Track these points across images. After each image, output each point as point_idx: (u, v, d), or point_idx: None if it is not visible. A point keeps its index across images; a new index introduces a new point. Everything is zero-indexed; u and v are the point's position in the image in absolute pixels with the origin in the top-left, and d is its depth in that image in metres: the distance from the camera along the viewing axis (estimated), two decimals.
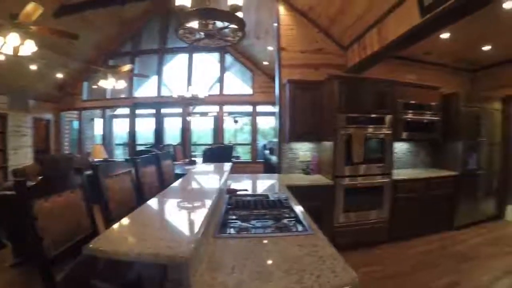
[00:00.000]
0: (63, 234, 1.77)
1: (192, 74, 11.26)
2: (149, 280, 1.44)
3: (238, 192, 3.13)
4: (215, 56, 11.54)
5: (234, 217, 2.22)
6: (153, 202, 2.18)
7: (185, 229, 1.65)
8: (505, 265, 3.86)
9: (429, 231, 4.90)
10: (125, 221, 1.71)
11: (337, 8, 4.44)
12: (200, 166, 5.36)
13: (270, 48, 8.25)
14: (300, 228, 1.99)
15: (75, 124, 11.64)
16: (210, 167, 4.55)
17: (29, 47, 4.83)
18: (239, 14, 2.71)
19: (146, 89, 11.84)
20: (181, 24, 2.68)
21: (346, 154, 4.35)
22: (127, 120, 11.45)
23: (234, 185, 3.58)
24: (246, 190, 3.27)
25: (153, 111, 11.49)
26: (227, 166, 4.24)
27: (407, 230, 4.71)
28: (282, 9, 5.05)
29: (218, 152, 8.54)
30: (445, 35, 4.44)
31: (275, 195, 3.01)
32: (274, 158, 7.60)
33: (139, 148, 10.95)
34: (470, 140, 5.22)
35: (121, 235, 1.52)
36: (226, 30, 2.84)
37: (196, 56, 11.34)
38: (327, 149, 4.61)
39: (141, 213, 1.91)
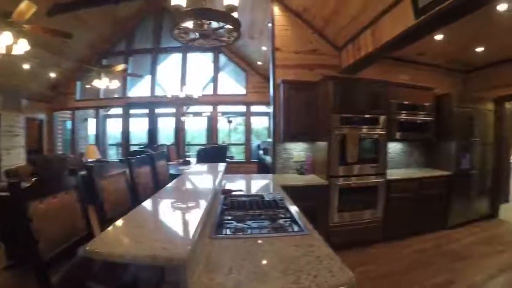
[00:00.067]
0: (58, 236, 1.76)
1: (186, 74, 11.22)
2: (146, 282, 1.44)
3: (233, 193, 3.12)
4: (209, 56, 11.51)
5: (229, 217, 2.21)
6: (148, 203, 2.17)
7: (181, 231, 1.65)
8: (498, 263, 3.91)
9: (423, 231, 4.93)
10: (120, 222, 1.70)
11: (331, 9, 4.45)
12: (195, 166, 5.34)
13: (264, 48, 8.26)
14: (296, 228, 1.99)
15: (68, 124, 11.55)
16: (205, 167, 4.53)
17: (22, 46, 4.78)
18: (235, 15, 2.70)
19: (140, 89, 11.78)
20: (176, 24, 2.67)
21: (340, 154, 4.36)
22: (120, 120, 11.38)
23: (228, 186, 3.58)
24: (241, 190, 3.27)
25: (146, 111, 11.44)
26: (222, 166, 4.24)
27: (401, 230, 4.74)
28: (276, 10, 5.05)
29: (212, 152, 8.53)
30: (438, 37, 4.47)
31: (270, 195, 3.01)
32: (268, 158, 7.60)
33: (132, 148, 10.89)
34: (463, 140, 5.27)
35: (117, 237, 1.51)
36: (221, 30, 2.84)
37: (190, 56, 11.31)
38: (321, 149, 4.62)
39: (137, 215, 1.90)
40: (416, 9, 2.99)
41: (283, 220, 2.16)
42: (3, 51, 4.64)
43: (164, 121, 11.97)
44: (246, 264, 1.46)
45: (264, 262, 1.52)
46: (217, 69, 11.45)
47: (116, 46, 11.10)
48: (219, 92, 11.36)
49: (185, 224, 1.77)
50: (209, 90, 11.32)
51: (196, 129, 12.91)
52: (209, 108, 11.39)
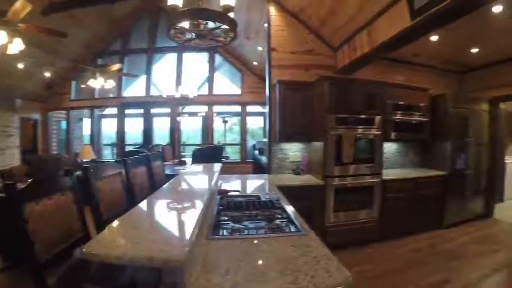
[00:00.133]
0: (55, 237, 1.75)
1: (182, 74, 11.20)
2: (143, 284, 1.44)
3: (230, 193, 3.11)
4: (204, 56, 11.50)
5: (226, 218, 2.21)
6: (144, 204, 2.16)
7: (178, 232, 1.64)
8: (493, 262, 3.94)
9: (419, 230, 4.97)
10: (117, 224, 1.69)
11: (327, 10, 4.46)
12: (191, 167, 5.34)
13: (260, 48, 8.27)
14: (292, 228, 1.99)
15: (63, 124, 11.48)
16: (200, 167, 4.52)
17: (17, 45, 4.75)
18: (231, 15, 2.70)
19: (135, 88, 11.74)
20: (172, 24, 2.66)
21: (336, 155, 4.37)
22: (115, 120, 11.33)
23: (224, 186, 3.57)
24: (237, 191, 3.27)
25: (141, 111, 11.41)
26: (217, 166, 4.23)
27: (397, 229, 4.77)
28: (273, 10, 5.05)
29: (208, 153, 8.51)
30: (434, 38, 4.49)
31: (266, 195, 3.00)
32: (263, 159, 7.60)
33: (127, 148, 10.86)
34: (458, 140, 5.31)
35: (114, 238, 1.50)
36: (218, 30, 2.83)
37: (186, 55, 11.28)
38: (317, 149, 4.63)
39: (133, 216, 1.89)
40: (412, 11, 3.01)
41: (280, 220, 2.16)
42: None
43: (159, 121, 11.95)
44: (243, 265, 1.46)
45: (262, 262, 1.52)
46: (212, 69, 11.44)
47: (112, 46, 11.05)
48: (215, 92, 11.34)
49: (182, 225, 1.76)
50: (205, 90, 11.30)
51: (191, 129, 12.89)
52: (205, 108, 11.38)
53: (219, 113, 11.79)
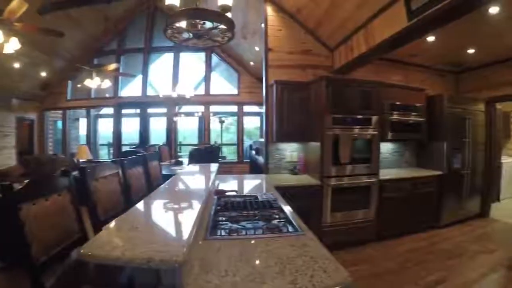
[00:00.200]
0: (52, 238, 1.75)
1: (178, 73, 11.16)
2: (141, 285, 1.43)
3: (227, 193, 3.11)
4: (201, 56, 11.45)
5: (224, 218, 2.20)
6: (142, 205, 2.15)
7: (176, 232, 1.63)
8: (490, 261, 3.96)
9: (416, 230, 4.99)
10: (114, 225, 1.69)
11: (324, 10, 4.46)
12: (188, 167, 5.32)
13: (257, 48, 8.26)
14: (290, 228, 1.99)
15: (59, 124, 11.42)
16: (197, 168, 4.52)
17: (13, 45, 4.72)
18: (228, 15, 2.70)
19: (132, 88, 11.67)
20: (170, 24, 2.65)
21: (333, 155, 4.37)
22: (112, 120, 11.27)
23: (221, 186, 3.57)
24: (234, 191, 3.26)
25: (138, 111, 11.36)
26: (214, 167, 4.23)
27: (394, 229, 4.78)
28: (270, 10, 5.05)
29: (205, 153, 8.49)
30: (430, 38, 4.50)
31: (263, 196, 2.99)
32: (260, 159, 7.60)
33: (124, 148, 10.80)
34: (455, 140, 5.33)
35: (111, 239, 1.49)
36: (215, 30, 2.82)
37: (182, 55, 11.25)
38: (314, 149, 4.63)
39: (131, 216, 1.89)
40: (409, 11, 3.02)
41: (278, 220, 2.16)
42: None
43: (156, 121, 11.89)
44: (242, 265, 1.45)
45: (260, 263, 1.52)
46: (209, 69, 11.40)
47: (108, 45, 11.00)
48: (211, 92, 11.30)
49: (180, 225, 1.76)
50: (201, 90, 11.26)
51: (188, 129, 12.86)
52: (201, 108, 11.34)
53: (215, 113, 11.76)
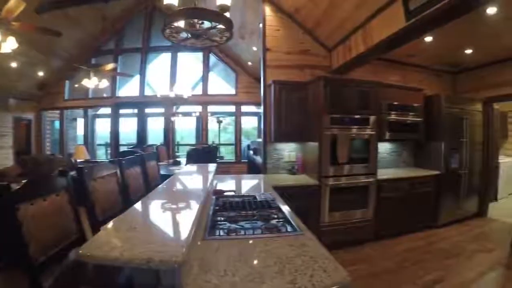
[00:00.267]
0: (50, 238, 1.74)
1: (176, 73, 11.15)
2: (140, 285, 1.42)
3: (225, 193, 3.10)
4: (199, 55, 11.45)
5: (222, 218, 2.19)
6: (140, 205, 2.15)
7: (175, 233, 1.63)
8: (488, 261, 3.98)
9: (414, 229, 5.01)
10: (113, 225, 1.68)
11: (323, 10, 4.46)
12: (186, 167, 5.31)
13: (254, 48, 8.27)
14: (289, 228, 1.99)
15: (57, 124, 11.39)
16: (195, 168, 4.51)
17: (10, 44, 4.70)
18: (227, 14, 2.69)
19: (129, 88, 11.65)
20: (168, 24, 2.65)
21: (331, 154, 4.38)
22: (109, 120, 11.25)
23: (220, 186, 3.56)
24: (233, 191, 3.26)
25: (136, 111, 11.35)
26: (212, 166, 4.22)
27: (392, 229, 4.80)
28: (268, 10, 5.04)
29: (203, 153, 8.48)
30: (428, 38, 4.51)
31: (262, 195, 2.99)
32: (258, 158, 7.59)
33: (121, 148, 10.78)
34: (452, 140, 5.35)
35: (110, 239, 1.48)
36: (213, 30, 2.82)
37: (180, 55, 11.24)
38: (312, 149, 4.63)
39: (129, 217, 1.88)
40: (407, 11, 3.03)
41: (276, 220, 2.16)
42: None
43: (153, 121, 11.87)
44: (241, 265, 1.45)
45: (259, 263, 1.52)
46: (207, 69, 11.40)
47: (106, 45, 10.98)
48: (209, 92, 11.31)
49: (179, 226, 1.75)
50: (199, 90, 11.26)
51: (185, 129, 12.84)
52: (199, 108, 11.33)
53: (213, 113, 11.74)
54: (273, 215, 2.28)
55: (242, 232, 1.93)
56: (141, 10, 10.66)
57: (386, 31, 3.49)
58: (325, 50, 5.27)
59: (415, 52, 5.24)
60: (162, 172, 5.04)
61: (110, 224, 1.68)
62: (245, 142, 11.60)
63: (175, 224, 1.79)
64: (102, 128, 12.11)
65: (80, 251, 1.31)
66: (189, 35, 2.89)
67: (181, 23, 2.71)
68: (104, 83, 7.88)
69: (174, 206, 2.18)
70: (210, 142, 11.38)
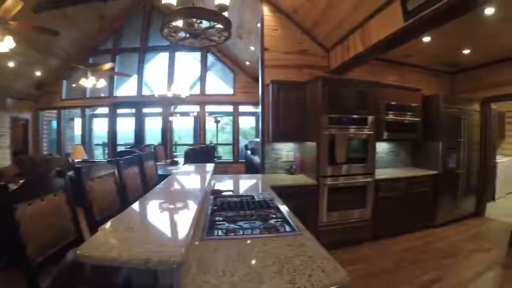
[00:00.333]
0: (48, 239, 1.73)
1: (174, 73, 11.13)
2: (139, 285, 1.42)
3: (223, 193, 3.10)
4: (197, 55, 11.43)
5: (220, 218, 2.19)
6: (138, 205, 2.14)
7: (173, 233, 1.62)
8: (486, 260, 3.99)
9: (411, 229, 5.02)
10: (111, 225, 1.67)
11: (321, 10, 4.46)
12: (183, 167, 5.31)
13: (252, 48, 8.26)
14: (287, 228, 1.99)
15: (54, 124, 11.35)
16: (193, 168, 4.50)
17: (7, 43, 4.69)
18: (225, 14, 2.69)
19: (127, 88, 11.61)
20: (166, 23, 2.64)
21: (329, 154, 4.38)
22: (107, 119, 11.21)
23: (217, 186, 3.56)
24: (231, 191, 3.25)
25: (133, 110, 11.32)
26: (210, 166, 4.21)
27: (390, 228, 4.80)
28: (266, 10, 5.04)
29: (200, 153, 8.47)
30: (426, 39, 4.51)
31: (260, 195, 2.98)
32: (256, 158, 7.59)
33: (119, 148, 10.75)
34: (450, 140, 5.36)
35: (108, 240, 1.47)
36: (212, 30, 2.82)
37: (178, 55, 11.22)
38: (310, 149, 4.63)
39: (127, 217, 1.87)
40: (405, 12, 3.03)
41: (275, 220, 2.16)
42: None
43: (151, 121, 11.84)
44: (239, 265, 1.45)
45: (258, 263, 1.51)
46: (205, 68, 11.38)
47: (103, 45, 10.94)
48: (207, 92, 11.29)
49: (177, 226, 1.75)
50: (197, 90, 11.24)
51: (183, 129, 12.82)
52: (197, 108, 11.31)
53: (211, 113, 11.73)
54: (271, 215, 2.28)
55: (241, 232, 1.92)
56: (139, 10, 10.64)
57: (384, 31, 3.50)
58: (323, 50, 5.27)
59: (413, 52, 5.25)
60: (160, 172, 5.03)
61: (108, 224, 1.67)
62: (243, 142, 11.58)
63: (173, 224, 1.79)
64: (100, 128, 12.07)
65: (78, 252, 1.30)
66: (188, 35, 2.88)
67: (179, 23, 2.70)
68: (102, 83, 7.86)
69: (172, 206, 2.17)
70: (208, 142, 11.37)
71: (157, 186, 2.98)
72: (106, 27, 10.22)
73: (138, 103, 11.07)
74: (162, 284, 1.30)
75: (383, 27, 3.50)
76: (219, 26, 2.72)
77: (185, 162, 7.55)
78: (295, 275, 1.33)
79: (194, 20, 2.70)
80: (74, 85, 8.38)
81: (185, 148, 9.77)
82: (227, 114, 11.79)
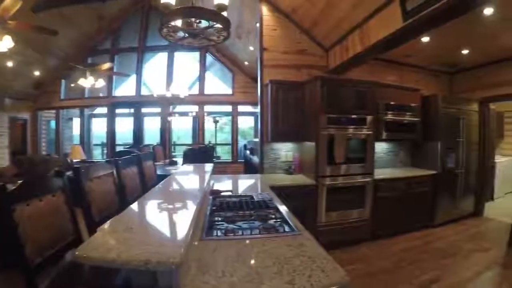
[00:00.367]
0: (46, 239, 1.73)
1: (173, 73, 11.11)
2: (138, 286, 1.42)
3: (222, 193, 3.10)
4: (195, 55, 11.41)
5: (219, 218, 2.19)
6: (137, 206, 2.13)
7: (172, 233, 1.62)
8: (485, 260, 4.00)
9: (410, 229, 5.02)
10: (109, 226, 1.67)
11: (320, 10, 4.46)
12: (182, 167, 5.30)
13: (251, 48, 8.25)
14: (287, 228, 1.98)
15: (53, 123, 11.33)
16: (192, 168, 4.49)
17: (6, 43, 4.67)
18: (224, 14, 2.68)
19: (126, 88, 11.59)
20: (165, 23, 2.63)
21: (328, 154, 4.38)
22: (105, 119, 11.19)
23: (216, 186, 3.55)
24: (230, 191, 3.25)
25: (132, 110, 11.29)
26: (209, 166, 4.21)
27: (389, 228, 4.81)
28: (265, 10, 5.04)
29: (199, 153, 8.46)
30: (425, 39, 4.51)
31: (259, 195, 2.98)
32: (255, 158, 7.59)
33: (118, 148, 10.74)
34: (449, 140, 5.37)
35: (107, 241, 1.47)
36: (211, 29, 2.81)
37: (177, 55, 11.20)
38: (309, 149, 4.62)
39: (126, 217, 1.86)
40: (405, 12, 3.03)
41: (274, 220, 2.15)
42: None
43: (150, 121, 11.83)
44: (239, 266, 1.44)
45: (257, 263, 1.50)
46: (203, 68, 11.36)
47: (102, 44, 10.92)
48: (206, 92, 11.27)
49: (176, 226, 1.75)
50: (195, 90, 11.22)
51: (182, 129, 12.81)
52: (195, 108, 11.29)
53: (210, 113, 11.73)
54: (270, 215, 2.27)
55: (240, 232, 1.92)
56: (138, 10, 10.62)
57: (383, 31, 3.50)
58: (322, 50, 5.27)
59: (412, 52, 5.26)
60: (158, 172, 5.03)
61: (106, 225, 1.66)
62: (241, 142, 11.58)
63: (172, 225, 1.78)
64: (98, 128, 12.06)
65: (77, 253, 1.30)
66: (186, 34, 2.88)
67: (178, 22, 2.70)
68: (100, 83, 7.86)
69: (171, 207, 2.16)
70: (206, 142, 11.36)
71: (156, 186, 2.98)
72: (104, 27, 10.21)
73: (136, 103, 11.05)
74: (161, 285, 1.29)
75: (382, 27, 3.50)
76: (218, 25, 2.71)
77: (184, 162, 7.54)
78: (294, 276, 1.33)
79: (193, 19, 2.70)
80: (72, 85, 8.38)
81: (184, 148, 9.75)
82: (226, 114, 11.79)
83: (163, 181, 3.19)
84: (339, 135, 4.41)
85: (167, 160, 8.36)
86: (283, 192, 3.48)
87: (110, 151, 10.87)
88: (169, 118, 11.06)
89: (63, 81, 10.68)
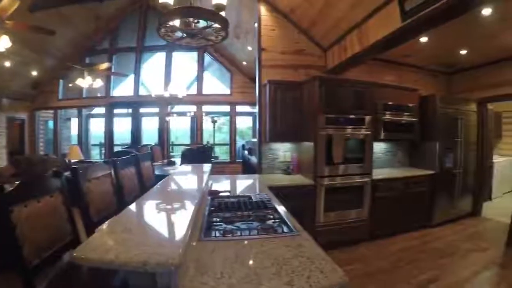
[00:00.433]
0: (44, 240, 1.72)
1: (171, 73, 11.10)
2: (136, 287, 1.41)
3: (220, 194, 3.09)
4: (194, 55, 11.41)
5: (218, 219, 2.18)
6: (135, 206, 2.12)
7: (171, 234, 1.61)
8: (482, 260, 4.00)
9: (408, 229, 5.03)
10: (108, 226, 1.66)
11: (319, 10, 4.46)
12: (180, 167, 5.29)
13: (249, 48, 8.25)
14: (285, 229, 1.98)
15: (50, 124, 11.30)
16: (191, 168, 4.48)
17: (4, 43, 4.66)
18: (222, 14, 2.68)
19: (124, 88, 11.58)
20: (163, 23, 2.62)
21: (326, 154, 4.37)
22: (103, 120, 11.17)
23: (215, 186, 3.55)
24: (228, 191, 3.24)
25: (130, 110, 11.28)
26: (207, 167, 4.20)
27: (387, 228, 4.81)
28: (263, 10, 5.03)
29: (197, 153, 8.44)
30: (423, 39, 4.52)
31: (257, 196, 2.97)
32: (253, 159, 7.58)
33: (116, 148, 10.72)
34: (447, 140, 5.38)
35: (105, 242, 1.46)
36: (209, 29, 2.80)
37: (175, 55, 11.19)
38: (307, 149, 4.62)
39: (124, 218, 1.86)
40: (403, 12, 3.03)
41: (272, 221, 2.15)
42: None
43: (148, 121, 11.82)
44: (237, 267, 1.44)
45: (256, 264, 1.50)
46: (201, 68, 11.35)
47: (100, 44, 10.90)
48: (204, 92, 11.27)
49: (175, 227, 1.74)
50: (194, 90, 11.22)
51: (180, 129, 12.80)
52: (194, 108, 11.29)
53: (208, 113, 11.71)
54: (269, 215, 2.27)
55: (238, 233, 1.91)
56: (136, 9, 10.61)
57: (381, 31, 3.50)
58: (320, 50, 5.27)
59: (411, 53, 5.26)
60: (156, 172, 5.02)
61: (105, 226, 1.66)
62: (240, 142, 11.57)
63: (171, 225, 1.77)
64: (96, 128, 12.02)
65: (75, 254, 1.29)
66: (185, 34, 2.87)
67: (176, 22, 2.69)
68: (98, 83, 7.84)
69: (169, 207, 2.16)
70: (204, 142, 11.35)
71: (154, 186, 2.97)
72: (102, 27, 10.17)
73: (135, 103, 11.04)
74: (159, 286, 1.28)
75: (381, 27, 3.50)
76: (216, 25, 2.70)
77: (182, 162, 7.53)
78: (293, 276, 1.33)
79: (191, 19, 2.69)
80: (70, 85, 8.36)
81: (182, 148, 9.74)
82: (224, 114, 11.79)
83: (161, 182, 3.18)
84: (337, 135, 4.40)
85: (165, 160, 8.34)
86: (281, 193, 3.46)
87: (108, 151, 10.84)
88: (167, 118, 11.05)
89: (61, 81, 10.66)
